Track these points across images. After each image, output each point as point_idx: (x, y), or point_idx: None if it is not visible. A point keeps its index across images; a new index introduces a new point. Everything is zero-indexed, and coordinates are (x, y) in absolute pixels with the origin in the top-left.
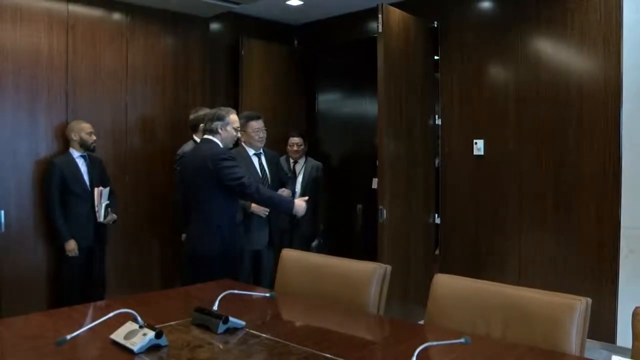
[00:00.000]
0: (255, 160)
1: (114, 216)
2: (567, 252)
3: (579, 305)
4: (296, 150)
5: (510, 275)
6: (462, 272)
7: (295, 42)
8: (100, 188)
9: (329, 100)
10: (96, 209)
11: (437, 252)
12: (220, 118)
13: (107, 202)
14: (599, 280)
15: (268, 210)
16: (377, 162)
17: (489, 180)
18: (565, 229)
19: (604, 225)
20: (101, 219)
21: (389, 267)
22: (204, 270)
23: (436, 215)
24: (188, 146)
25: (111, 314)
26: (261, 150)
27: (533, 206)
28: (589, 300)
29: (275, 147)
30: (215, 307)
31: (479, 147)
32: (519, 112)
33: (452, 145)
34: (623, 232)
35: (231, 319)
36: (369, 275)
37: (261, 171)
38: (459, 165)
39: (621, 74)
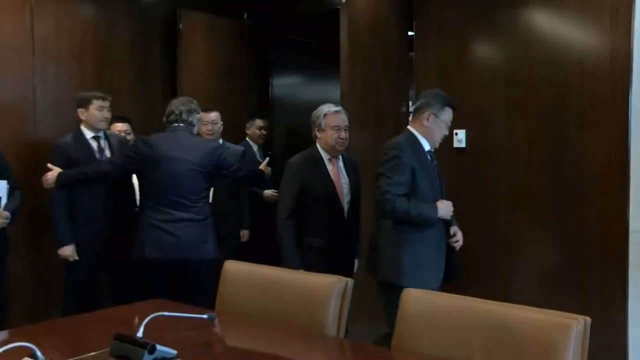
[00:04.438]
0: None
1: (6, 214)
2: (566, 262)
3: (576, 325)
4: (264, 135)
5: (500, 289)
6: (442, 287)
7: (245, 15)
8: None
9: (286, 85)
10: None
11: None
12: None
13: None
14: (605, 295)
15: None
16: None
17: (472, 177)
18: (564, 235)
19: (610, 229)
20: None
21: (350, 281)
22: (200, 278)
23: None
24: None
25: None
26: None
27: (525, 208)
28: (588, 319)
29: (228, 135)
30: (140, 334)
31: (459, 138)
32: (507, 98)
33: None
34: (632, 238)
35: (159, 347)
36: (326, 290)
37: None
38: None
39: (631, 48)
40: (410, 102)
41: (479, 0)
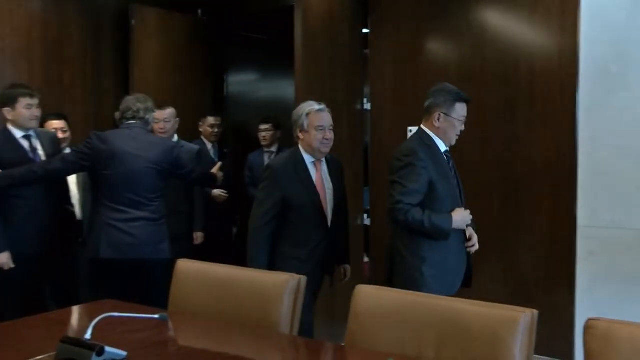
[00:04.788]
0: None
1: None
2: (517, 256)
3: (523, 318)
4: (216, 133)
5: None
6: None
7: (200, 11)
8: None
9: (241, 82)
10: None
11: (366, 259)
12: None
13: None
14: (554, 287)
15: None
16: None
17: None
18: (516, 230)
19: (559, 224)
20: None
21: (303, 278)
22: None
23: (365, 216)
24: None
25: None
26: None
27: (477, 203)
28: (535, 312)
29: (182, 133)
30: (87, 336)
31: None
32: None
33: (383, 133)
34: (580, 232)
35: (108, 349)
36: (279, 288)
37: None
38: (390, 157)
39: (578, 49)
40: (365, 100)
41: None
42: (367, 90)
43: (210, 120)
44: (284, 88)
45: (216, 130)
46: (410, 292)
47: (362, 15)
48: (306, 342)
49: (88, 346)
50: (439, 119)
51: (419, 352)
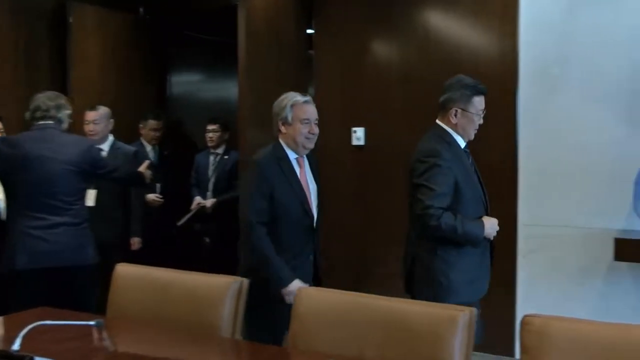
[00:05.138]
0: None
1: None
2: None
3: (461, 317)
4: (157, 137)
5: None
6: (346, 286)
7: (141, 9)
8: None
9: (185, 82)
10: None
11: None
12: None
13: None
14: (496, 285)
15: None
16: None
17: (372, 175)
18: None
19: (503, 223)
20: None
21: (245, 281)
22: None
23: None
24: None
25: None
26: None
27: None
28: (474, 310)
29: (123, 135)
30: (16, 347)
31: (358, 136)
32: (405, 96)
33: (328, 134)
34: (521, 231)
35: (38, 359)
36: (221, 291)
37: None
38: (335, 158)
39: (518, 50)
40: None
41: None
42: (312, 90)
43: (152, 123)
44: (229, 89)
45: (157, 133)
46: (351, 292)
47: (306, 16)
48: (247, 344)
49: (15, 358)
50: (456, 115)
51: (360, 352)
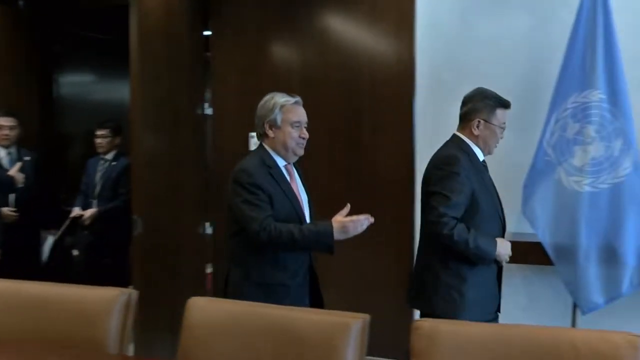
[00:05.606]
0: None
1: None
2: (365, 262)
3: (355, 324)
4: (9, 136)
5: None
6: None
7: (21, 2)
8: None
9: (73, 83)
10: None
11: (209, 269)
12: None
13: None
14: (397, 292)
15: None
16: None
17: None
18: (360, 237)
19: (399, 231)
20: None
21: (134, 292)
22: None
23: (207, 224)
24: None
25: None
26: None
27: (326, 211)
28: (367, 317)
29: None
30: None
31: (256, 142)
32: (305, 99)
33: (225, 139)
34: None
35: None
36: (107, 304)
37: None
38: (233, 164)
39: (414, 56)
40: (207, 104)
41: (276, 0)
42: (208, 94)
43: (1, 121)
44: (120, 90)
45: (7, 132)
46: (242, 302)
47: (202, 17)
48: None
49: None
50: (478, 126)
51: None
